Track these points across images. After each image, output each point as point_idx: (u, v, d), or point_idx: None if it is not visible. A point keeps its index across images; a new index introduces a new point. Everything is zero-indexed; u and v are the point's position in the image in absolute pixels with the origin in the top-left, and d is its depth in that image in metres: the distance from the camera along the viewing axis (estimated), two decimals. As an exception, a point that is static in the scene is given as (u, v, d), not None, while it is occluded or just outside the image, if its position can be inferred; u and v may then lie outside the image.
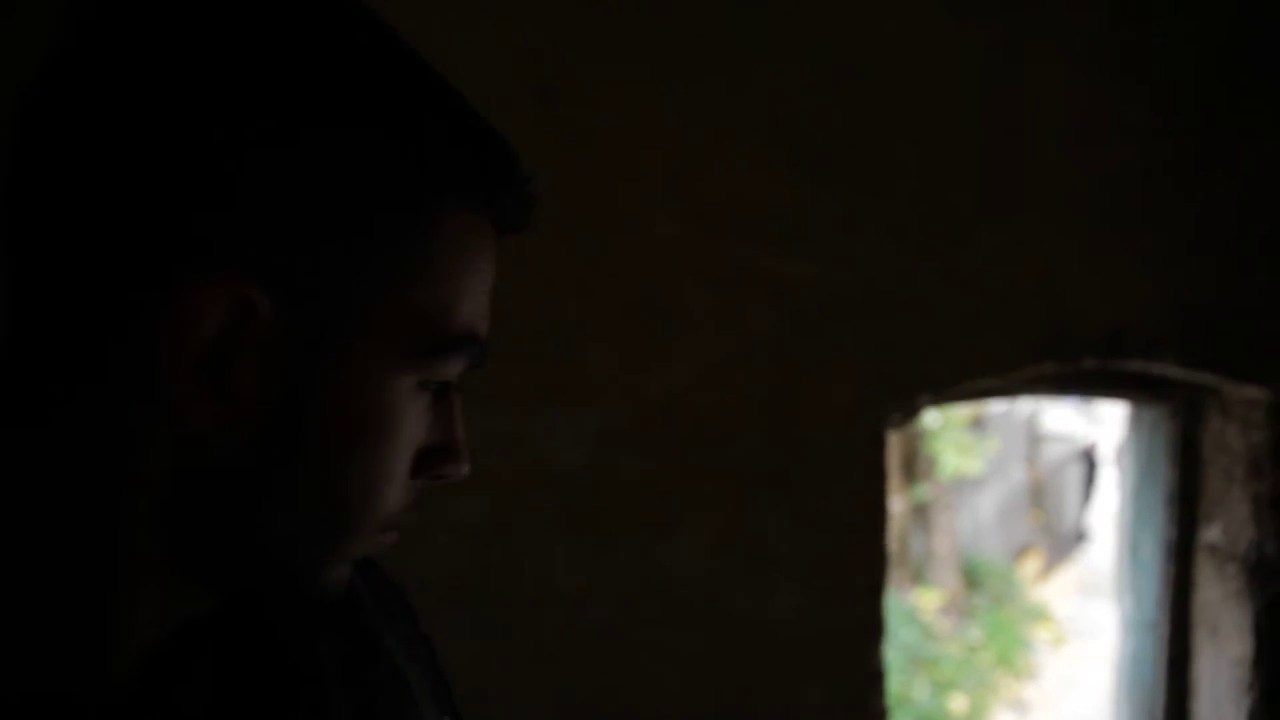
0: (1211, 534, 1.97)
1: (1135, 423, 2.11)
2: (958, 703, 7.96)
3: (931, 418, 9.38)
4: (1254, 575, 1.84)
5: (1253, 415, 1.84)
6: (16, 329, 0.42)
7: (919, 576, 9.26)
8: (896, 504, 8.88)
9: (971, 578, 9.65)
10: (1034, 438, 11.92)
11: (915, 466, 9.20)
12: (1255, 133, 1.71)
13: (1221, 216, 1.71)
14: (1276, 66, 1.70)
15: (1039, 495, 11.63)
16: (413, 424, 0.46)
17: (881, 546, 1.66)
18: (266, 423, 0.42)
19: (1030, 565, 11.05)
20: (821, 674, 1.65)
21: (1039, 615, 9.57)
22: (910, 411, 1.72)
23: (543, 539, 1.47)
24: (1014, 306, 1.66)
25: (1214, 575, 1.96)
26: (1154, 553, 2.08)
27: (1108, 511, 10.75)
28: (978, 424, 10.03)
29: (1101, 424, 11.83)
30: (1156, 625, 2.09)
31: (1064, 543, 11.29)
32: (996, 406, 11.38)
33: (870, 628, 1.67)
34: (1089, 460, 11.94)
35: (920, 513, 9.36)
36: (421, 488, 0.49)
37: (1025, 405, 12.25)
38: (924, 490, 9.24)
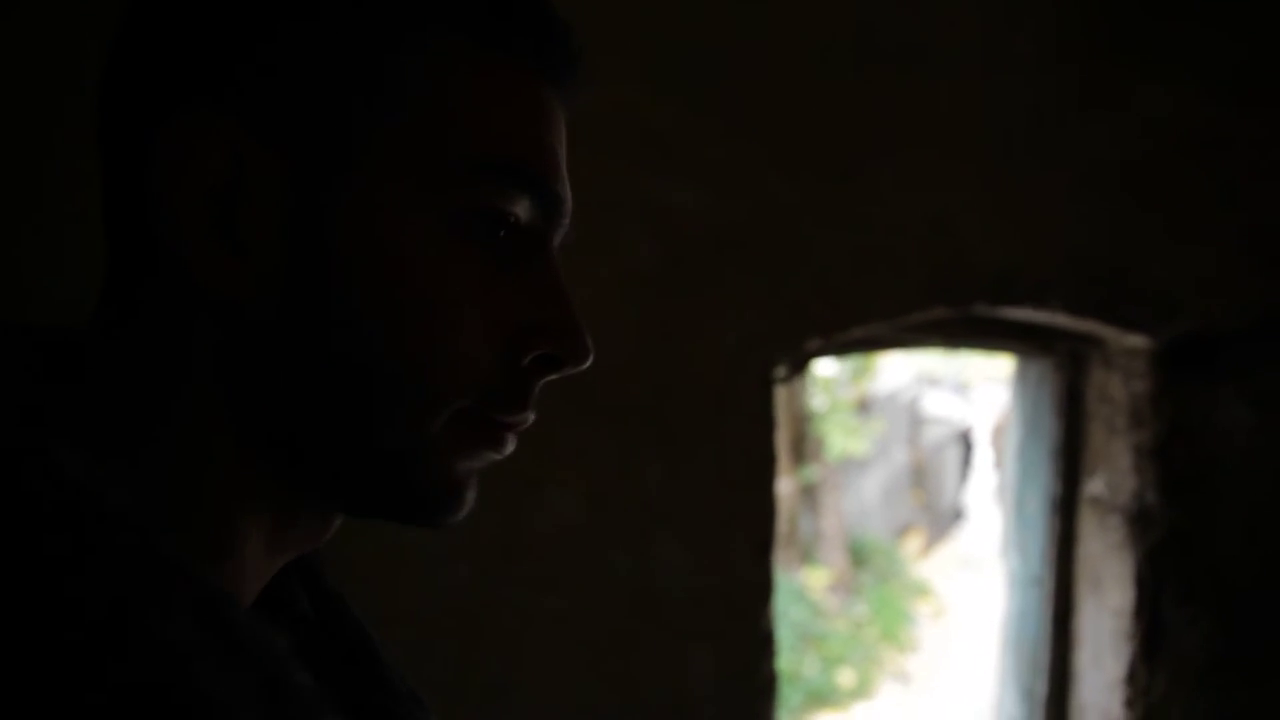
0: (1095, 487, 1.96)
1: (1022, 378, 2.09)
2: (845, 677, 8.14)
3: (819, 401, 9.54)
4: (1134, 525, 1.84)
5: (1134, 365, 1.82)
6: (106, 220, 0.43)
7: (808, 556, 9.42)
8: (786, 485, 8.99)
9: (857, 556, 9.88)
10: (916, 420, 12.30)
11: (804, 448, 9.34)
12: (1144, 73, 1.69)
13: (1108, 158, 1.68)
14: (1166, 3, 1.67)
15: (920, 476, 12.01)
16: (471, 279, 0.42)
17: (770, 502, 1.56)
18: (290, 277, 0.40)
19: (912, 543, 11.41)
20: (708, 637, 1.54)
21: (920, 590, 9.88)
22: (799, 357, 1.62)
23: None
24: (904, 247, 1.59)
25: (1097, 528, 1.95)
26: (1039, 508, 2.06)
27: (984, 490, 11.20)
28: (863, 407, 10.26)
29: (979, 407, 12.31)
30: (1041, 580, 2.08)
31: (944, 520, 11.69)
32: (881, 389, 11.70)
33: (759, 587, 1.57)
34: (967, 442, 12.40)
35: (809, 493, 9.51)
36: (528, 375, 0.45)
37: (909, 389, 12.64)
38: (812, 471, 9.39)
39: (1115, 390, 1.87)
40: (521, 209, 0.44)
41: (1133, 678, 1.86)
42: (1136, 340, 1.78)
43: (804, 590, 8.90)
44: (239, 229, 0.40)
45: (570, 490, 1.43)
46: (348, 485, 0.43)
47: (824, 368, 9.72)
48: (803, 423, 9.25)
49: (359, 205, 0.41)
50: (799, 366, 1.74)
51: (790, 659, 8.10)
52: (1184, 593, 1.82)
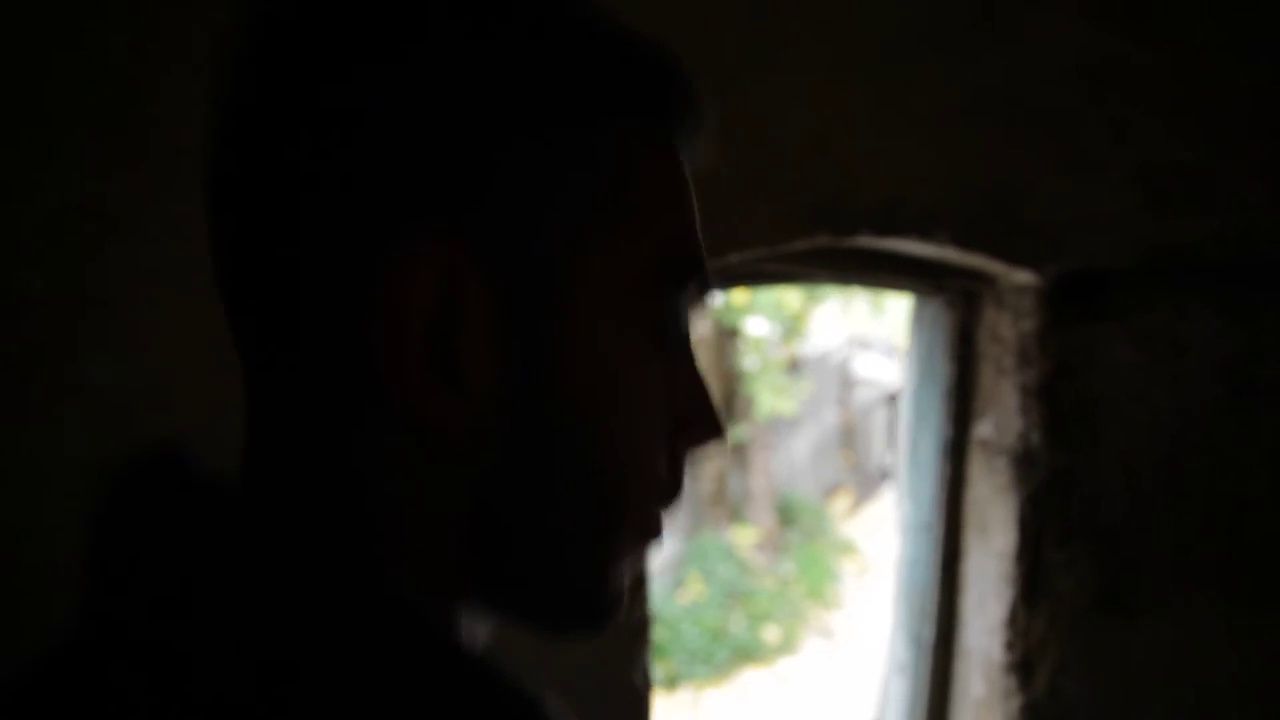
0: (984, 429, 1.93)
1: (918, 319, 2.05)
2: (771, 633, 8.26)
3: (750, 360, 9.55)
4: (1019, 467, 1.81)
5: (1023, 303, 1.79)
6: (261, 364, 0.42)
7: (736, 515, 9.49)
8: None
9: (786, 515, 10.00)
10: (846, 382, 12.43)
11: (733, 406, 9.36)
12: (1036, 1, 1.63)
13: (996, 87, 1.62)
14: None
15: (849, 436, 12.17)
16: (656, 382, 0.43)
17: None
18: (506, 409, 0.39)
19: (840, 503, 11.58)
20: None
21: (846, 549, 10.05)
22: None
23: (218, 413, 1.19)
24: (785, 169, 1.51)
25: (984, 471, 1.93)
26: (931, 452, 2.03)
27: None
28: (794, 367, 10.32)
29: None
30: (931, 526, 2.05)
31: (871, 481, 11.89)
32: (812, 349, 11.79)
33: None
34: (895, 404, 12.61)
35: (738, 452, 9.55)
36: (680, 464, 0.45)
37: (840, 350, 12.77)
38: (742, 430, 9.43)
39: (1005, 330, 1.84)
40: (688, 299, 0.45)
41: (1013, 620, 1.85)
42: (1025, 277, 1.74)
43: (732, 548, 8.99)
44: (457, 360, 0.38)
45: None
46: (533, 597, 0.43)
47: (755, 327, 9.72)
48: (733, 381, 9.27)
49: (577, 324, 0.40)
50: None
51: (717, 616, 8.19)
52: (1063, 534, 1.80)
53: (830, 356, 12.05)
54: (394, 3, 0.38)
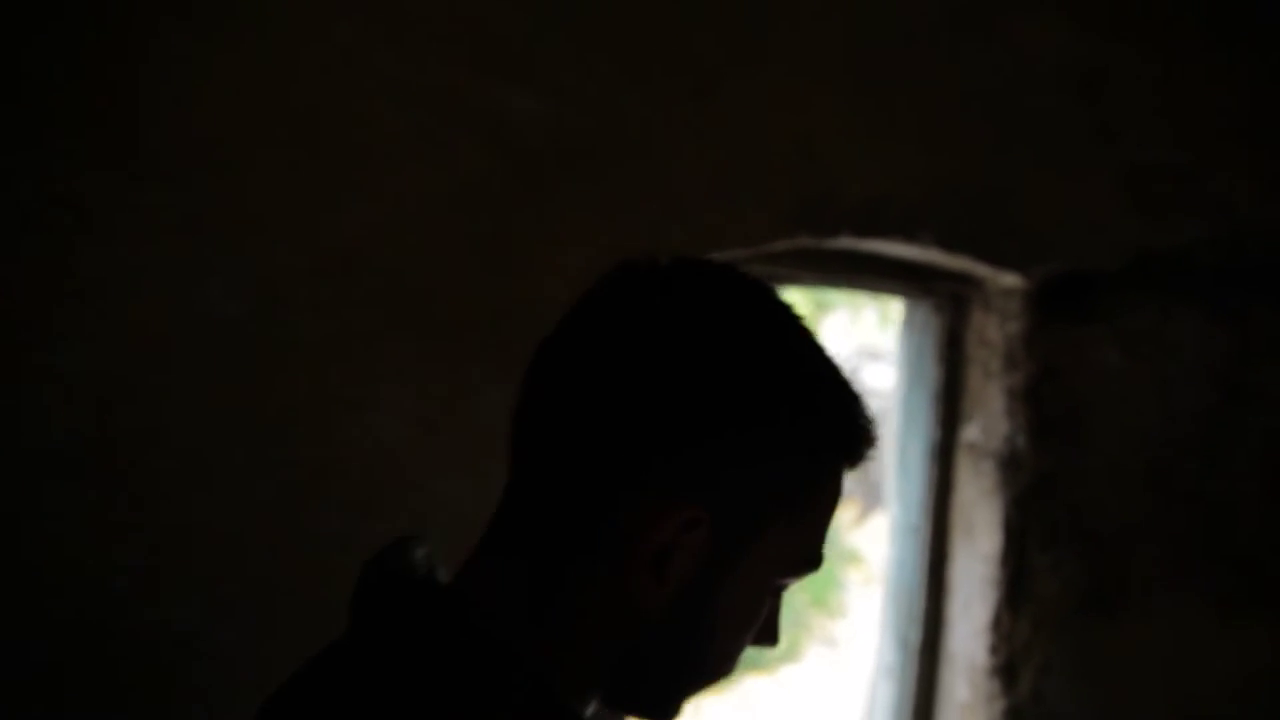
0: (971, 432, 1.93)
1: (907, 323, 2.05)
2: (774, 642, 8.19)
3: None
4: (1005, 470, 1.81)
5: (1009, 306, 1.79)
6: (525, 493, 0.61)
7: (741, 522, 9.44)
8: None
9: (791, 523, 9.92)
10: (855, 390, 12.36)
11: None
12: (1019, 3, 1.64)
13: (980, 89, 1.62)
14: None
15: (858, 445, 12.08)
16: (761, 613, 0.63)
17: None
18: (682, 606, 0.59)
19: (847, 512, 11.52)
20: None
21: (852, 558, 9.99)
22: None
23: (188, 403, 1.20)
24: (766, 169, 1.52)
25: (971, 474, 1.92)
26: (919, 455, 2.03)
27: (919, 460, 11.31)
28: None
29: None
30: (918, 528, 2.05)
31: (878, 491, 11.81)
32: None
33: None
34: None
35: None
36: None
37: (849, 361, 12.70)
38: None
39: (992, 333, 1.84)
40: None
41: (997, 624, 1.84)
42: (1011, 280, 1.74)
43: (736, 556, 8.93)
44: (668, 569, 0.57)
45: (395, 413, 1.34)
46: (634, 707, 0.64)
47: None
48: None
49: (743, 571, 0.59)
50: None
51: (720, 623, 8.13)
52: (1048, 537, 1.80)
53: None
54: (721, 369, 0.58)
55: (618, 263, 0.62)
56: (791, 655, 8.26)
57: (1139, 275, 1.73)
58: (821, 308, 8.88)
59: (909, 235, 1.63)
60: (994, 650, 1.85)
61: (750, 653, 0.66)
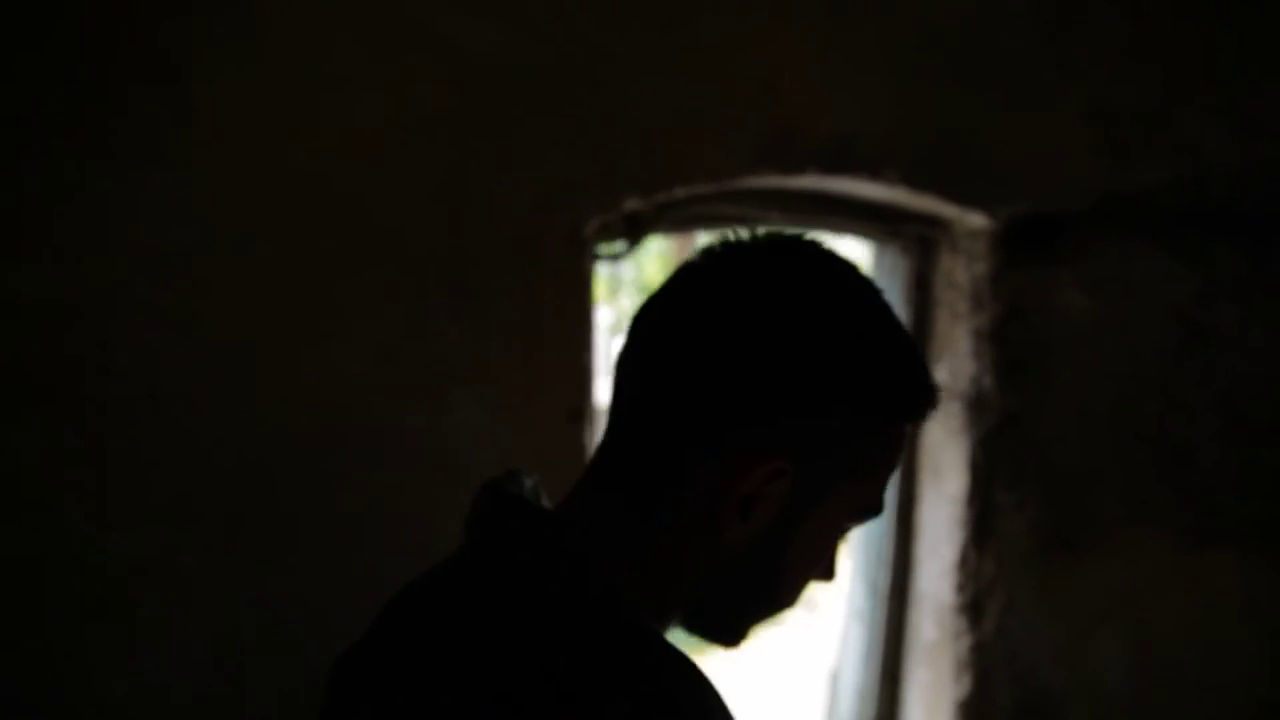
0: (938, 375, 1.94)
1: (876, 267, 2.05)
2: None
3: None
4: (971, 411, 1.82)
5: (976, 247, 1.79)
6: (628, 435, 0.69)
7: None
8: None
9: (775, 489, 10.00)
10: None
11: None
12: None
13: (946, 25, 1.61)
14: None
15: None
16: (829, 554, 0.72)
17: (584, 368, 1.50)
18: (761, 543, 0.67)
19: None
20: (514, 507, 1.48)
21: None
22: (619, 220, 1.54)
23: (141, 329, 1.20)
24: (732, 105, 1.51)
25: (939, 416, 1.93)
26: (887, 399, 2.04)
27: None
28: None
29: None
30: (887, 473, 2.07)
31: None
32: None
33: (568, 461, 1.51)
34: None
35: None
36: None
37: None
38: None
39: (959, 274, 1.84)
40: None
41: (963, 562, 1.87)
42: (978, 220, 1.75)
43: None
44: (752, 512, 0.65)
45: (355, 343, 1.34)
46: (706, 633, 0.72)
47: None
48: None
49: (816, 516, 0.67)
50: (629, 235, 1.67)
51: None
52: (1014, 477, 1.82)
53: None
54: (813, 341, 0.65)
55: (719, 237, 0.69)
56: (774, 617, 8.33)
57: (1105, 217, 1.73)
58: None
59: (875, 173, 1.63)
60: (960, 589, 1.88)
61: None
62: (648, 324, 0.69)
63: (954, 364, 1.87)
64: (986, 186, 1.68)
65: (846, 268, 0.69)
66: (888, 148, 1.61)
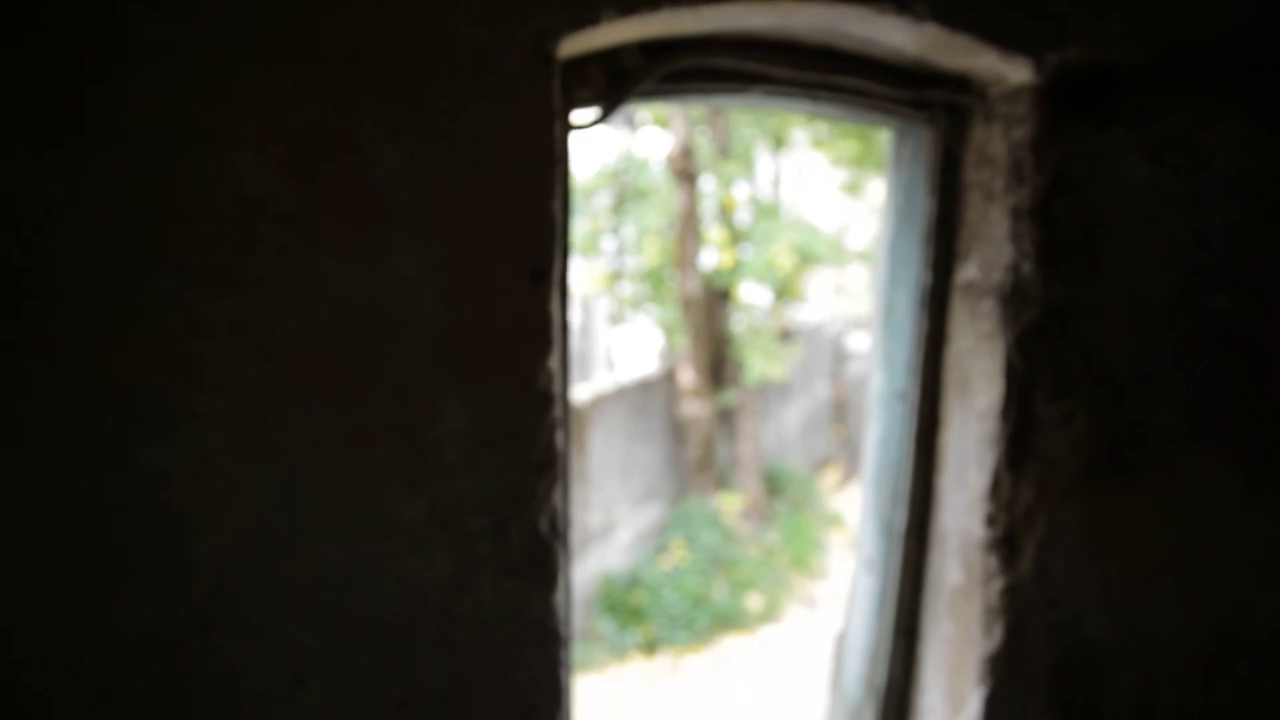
0: (968, 271, 1.67)
1: (895, 157, 1.78)
2: (754, 601, 8.03)
3: (740, 324, 9.26)
4: (1007, 305, 1.55)
5: (1017, 109, 1.52)
6: None
7: (723, 482, 9.24)
8: (703, 409, 8.76)
9: (773, 485, 9.76)
10: (839, 356, 12.17)
11: (723, 372, 9.11)
12: None
13: None
14: None
15: (841, 411, 11.91)
16: None
17: (548, 221, 1.23)
18: None
19: (830, 476, 11.34)
20: (459, 385, 1.21)
21: (834, 521, 9.81)
22: (588, 25, 1.27)
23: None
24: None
25: (967, 320, 1.67)
26: (908, 308, 1.77)
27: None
28: (786, 336, 10.06)
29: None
30: (906, 394, 1.79)
31: (860, 459, 11.61)
32: (805, 321, 11.51)
33: (534, 330, 1.24)
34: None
35: (727, 419, 9.30)
36: None
37: (833, 324, 12.51)
38: (731, 396, 9.17)
39: (995, 146, 1.57)
40: None
41: (996, 490, 1.59)
42: (1020, 73, 1.48)
43: (717, 515, 8.75)
44: None
45: (261, 154, 1.07)
46: None
47: (746, 291, 9.46)
48: (722, 345, 9.01)
49: None
50: (610, 94, 1.40)
51: (700, 582, 7.97)
52: (1058, 385, 1.54)
53: (824, 329, 11.77)
54: None
55: None
56: (771, 615, 8.09)
57: (1169, 71, 1.46)
58: (806, 259, 8.62)
59: (903, 5, 1.36)
60: (991, 521, 1.60)
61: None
62: None
63: (987, 253, 1.60)
64: (1033, 25, 1.42)
65: None
66: (917, -27, 1.35)
